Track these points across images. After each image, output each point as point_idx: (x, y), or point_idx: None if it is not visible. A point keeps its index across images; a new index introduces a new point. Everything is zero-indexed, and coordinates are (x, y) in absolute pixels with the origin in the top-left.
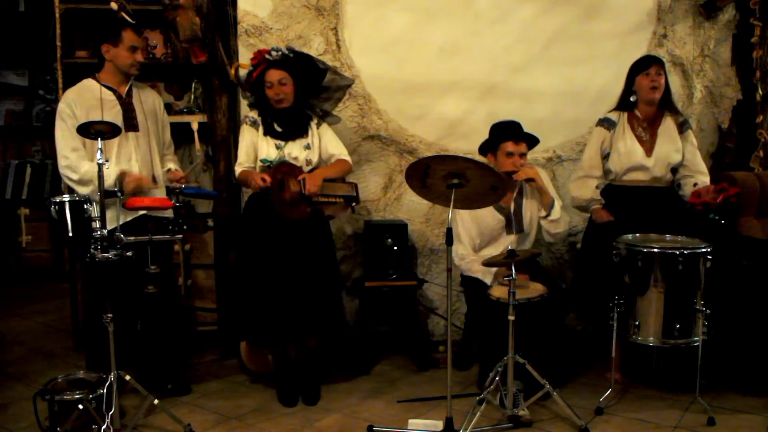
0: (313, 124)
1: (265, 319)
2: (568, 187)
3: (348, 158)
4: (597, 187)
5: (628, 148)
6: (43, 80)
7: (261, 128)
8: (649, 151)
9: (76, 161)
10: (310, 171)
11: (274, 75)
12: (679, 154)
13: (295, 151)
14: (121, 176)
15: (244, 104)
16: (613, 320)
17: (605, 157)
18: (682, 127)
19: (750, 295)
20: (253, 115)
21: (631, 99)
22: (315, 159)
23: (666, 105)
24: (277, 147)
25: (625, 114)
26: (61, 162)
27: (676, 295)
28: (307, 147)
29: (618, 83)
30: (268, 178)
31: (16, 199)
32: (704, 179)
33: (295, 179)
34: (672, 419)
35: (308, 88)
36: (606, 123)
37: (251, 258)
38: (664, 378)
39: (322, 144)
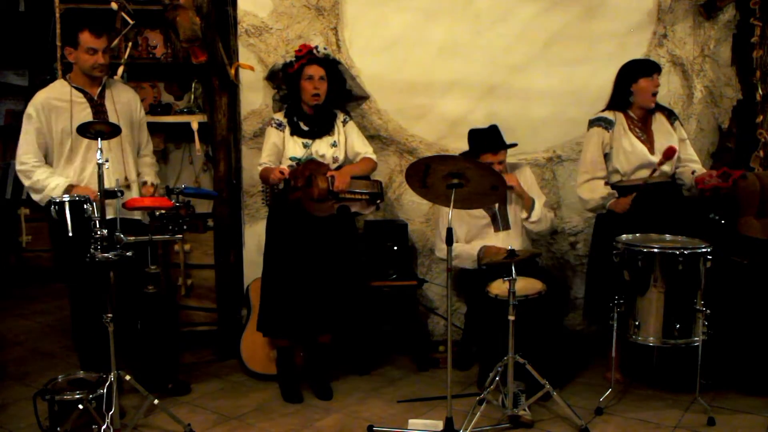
0: (339, 122)
1: (285, 311)
2: (568, 188)
3: (373, 156)
4: (606, 185)
5: (633, 147)
6: (43, 80)
7: (287, 129)
8: (651, 149)
9: (31, 168)
10: (337, 168)
11: (315, 70)
12: (677, 146)
13: (322, 148)
14: (69, 189)
15: (244, 104)
16: (613, 320)
17: (605, 156)
18: (671, 118)
19: (750, 295)
20: (279, 117)
21: (630, 99)
22: (341, 156)
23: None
24: (305, 146)
25: (621, 113)
26: (18, 166)
27: (676, 294)
28: (334, 144)
29: None
30: (285, 170)
31: (16, 199)
32: (699, 167)
33: (324, 176)
34: (672, 419)
35: (336, 91)
36: (603, 122)
37: (277, 253)
38: (664, 378)
39: (348, 142)
